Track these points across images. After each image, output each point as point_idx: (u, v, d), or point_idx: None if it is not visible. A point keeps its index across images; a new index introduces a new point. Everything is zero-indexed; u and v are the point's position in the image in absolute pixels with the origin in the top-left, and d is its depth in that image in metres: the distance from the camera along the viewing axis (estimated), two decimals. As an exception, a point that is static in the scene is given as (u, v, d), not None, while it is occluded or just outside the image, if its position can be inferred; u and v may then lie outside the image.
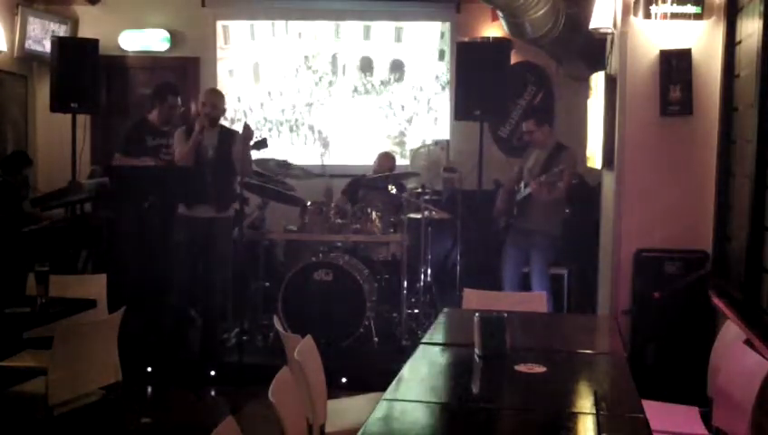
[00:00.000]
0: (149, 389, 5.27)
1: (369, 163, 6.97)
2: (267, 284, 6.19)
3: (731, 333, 3.54)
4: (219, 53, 8.00)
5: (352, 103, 8.00)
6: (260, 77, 8.04)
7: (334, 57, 7.99)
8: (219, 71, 8.00)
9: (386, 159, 6.88)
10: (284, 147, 7.93)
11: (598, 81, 5.21)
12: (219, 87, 7.81)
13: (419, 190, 6.31)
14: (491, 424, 2.62)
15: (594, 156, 5.32)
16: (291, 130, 8.06)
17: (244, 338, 5.62)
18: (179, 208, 5.64)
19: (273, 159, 6.27)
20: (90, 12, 7.94)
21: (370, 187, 6.58)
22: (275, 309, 5.67)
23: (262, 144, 5.69)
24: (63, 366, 3.57)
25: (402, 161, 7.55)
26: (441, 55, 7.89)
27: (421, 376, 3.11)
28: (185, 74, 7.95)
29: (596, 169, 5.47)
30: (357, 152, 7.85)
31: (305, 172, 6.58)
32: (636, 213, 4.72)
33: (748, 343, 3.34)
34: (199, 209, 5.57)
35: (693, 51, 4.56)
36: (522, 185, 5.90)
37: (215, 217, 5.63)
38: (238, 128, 5.73)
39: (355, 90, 7.99)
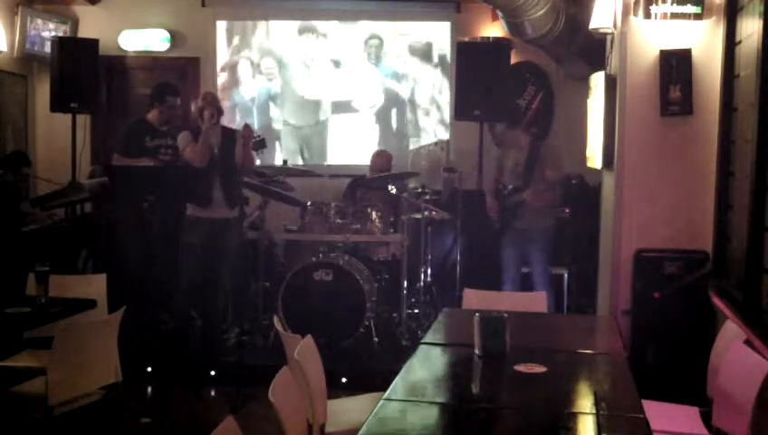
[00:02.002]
0: (149, 389, 5.27)
1: (368, 163, 6.97)
2: (267, 284, 6.19)
3: (731, 333, 3.54)
4: (219, 53, 8.00)
5: (351, 102, 7.99)
6: (260, 77, 8.04)
7: (333, 56, 7.98)
8: (219, 70, 8.00)
9: (381, 157, 6.88)
10: (284, 147, 7.94)
11: (598, 81, 5.21)
12: (219, 87, 7.88)
13: (419, 190, 6.31)
14: (491, 424, 2.62)
15: (594, 156, 5.32)
16: (291, 129, 8.06)
17: (244, 338, 5.62)
18: (188, 210, 5.63)
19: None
20: (90, 12, 7.94)
21: (369, 187, 6.58)
22: (275, 309, 5.67)
23: (261, 144, 5.70)
24: (63, 366, 3.57)
25: (402, 160, 7.55)
26: (441, 55, 7.88)
27: (421, 376, 3.12)
28: (185, 74, 7.95)
29: (596, 169, 5.48)
30: (356, 152, 7.84)
31: (305, 172, 6.60)
32: (636, 213, 4.72)
33: (748, 343, 3.34)
34: (211, 210, 5.57)
35: (693, 51, 4.56)
36: (510, 187, 5.87)
37: (226, 218, 5.64)
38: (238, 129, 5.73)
39: (354, 89, 7.98)
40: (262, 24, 8.02)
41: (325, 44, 7.98)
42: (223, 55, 8.00)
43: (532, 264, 5.94)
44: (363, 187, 6.67)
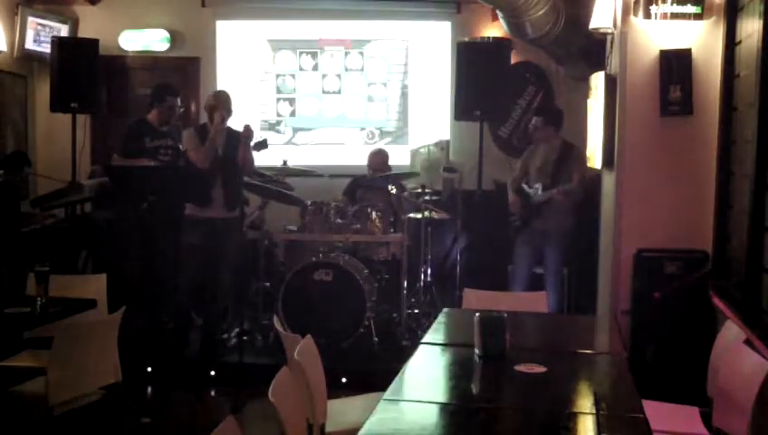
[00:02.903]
0: (149, 389, 5.27)
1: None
2: (267, 284, 6.19)
3: (731, 333, 3.54)
4: (219, 53, 8.00)
5: (351, 102, 8.00)
6: (260, 76, 8.04)
7: (334, 57, 7.99)
8: (219, 71, 8.00)
9: (378, 156, 6.87)
10: (283, 147, 7.94)
11: (598, 81, 5.21)
12: (219, 88, 7.88)
13: (419, 190, 6.31)
14: (491, 424, 2.61)
15: (594, 156, 5.32)
16: (292, 129, 8.07)
17: (244, 338, 5.62)
18: (188, 210, 5.61)
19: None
20: (90, 12, 7.94)
21: (369, 186, 6.58)
22: (275, 309, 5.67)
23: (262, 144, 5.70)
24: (63, 366, 3.57)
25: (402, 160, 7.55)
26: (441, 55, 7.89)
27: (421, 376, 3.12)
28: (185, 74, 7.95)
29: (596, 169, 5.48)
30: (355, 152, 7.84)
31: (305, 172, 6.60)
32: (636, 213, 4.72)
33: (748, 343, 3.34)
34: (210, 210, 5.57)
35: (693, 51, 4.57)
36: (536, 186, 5.88)
37: (227, 217, 5.64)
38: (238, 128, 5.73)
39: (354, 89, 7.99)
40: (261, 24, 8.02)
41: (325, 44, 7.98)
42: (223, 55, 8.01)
43: (546, 264, 5.93)
44: (363, 187, 6.67)
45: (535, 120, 6.11)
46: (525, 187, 5.99)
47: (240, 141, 5.59)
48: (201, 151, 5.54)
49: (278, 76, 8.03)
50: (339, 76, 8.00)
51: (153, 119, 5.94)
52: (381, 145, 7.72)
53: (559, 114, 6.15)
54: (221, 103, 5.63)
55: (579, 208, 5.91)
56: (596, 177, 5.73)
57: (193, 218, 5.61)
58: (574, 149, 5.92)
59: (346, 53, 7.99)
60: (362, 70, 7.99)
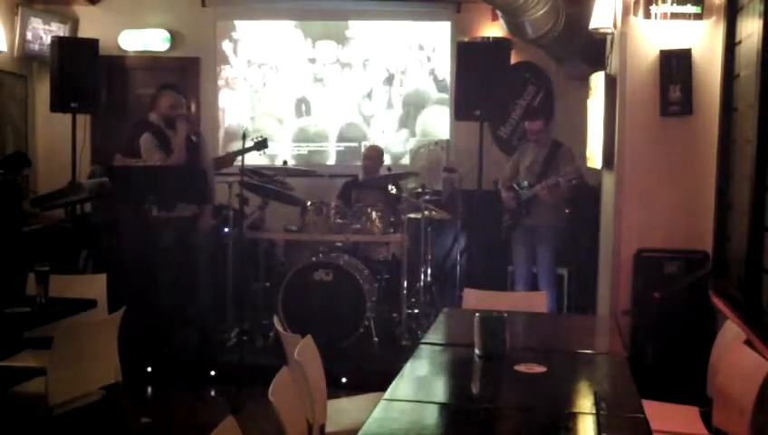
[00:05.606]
0: (149, 389, 5.27)
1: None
2: (267, 284, 6.19)
3: (731, 333, 3.54)
4: (219, 53, 8.00)
5: (351, 103, 7.99)
6: (260, 77, 8.04)
7: (334, 56, 7.98)
8: (219, 71, 8.00)
9: (373, 151, 6.88)
10: (284, 146, 7.94)
11: (598, 81, 5.21)
12: (219, 87, 7.89)
13: (419, 190, 6.31)
14: (491, 424, 2.62)
15: (594, 156, 5.32)
16: (292, 129, 8.06)
17: (244, 338, 5.62)
18: (158, 212, 5.52)
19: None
20: (90, 12, 7.94)
21: (363, 187, 6.57)
22: (275, 309, 5.67)
23: (262, 144, 5.69)
24: (63, 366, 3.57)
25: (402, 160, 7.54)
26: (441, 55, 7.89)
27: (421, 376, 3.12)
28: (185, 74, 7.95)
29: (596, 169, 5.48)
30: (355, 152, 7.84)
31: (305, 172, 6.60)
32: (636, 213, 4.72)
33: (748, 343, 3.34)
34: (180, 209, 5.59)
35: (693, 51, 4.57)
36: (525, 183, 5.93)
37: (196, 214, 5.69)
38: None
39: (353, 88, 7.98)
40: (261, 24, 8.02)
41: (325, 45, 7.98)
42: (222, 55, 8.01)
43: (539, 262, 5.96)
44: (358, 187, 6.67)
45: (534, 124, 6.12)
46: (515, 185, 6.03)
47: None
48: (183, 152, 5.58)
49: (278, 75, 8.03)
50: (338, 75, 7.99)
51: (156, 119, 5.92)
52: (381, 144, 7.72)
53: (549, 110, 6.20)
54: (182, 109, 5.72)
55: (569, 205, 5.92)
56: (586, 174, 5.75)
57: (164, 220, 5.55)
58: (562, 148, 5.98)
59: (345, 53, 7.98)
60: (362, 69, 7.98)
